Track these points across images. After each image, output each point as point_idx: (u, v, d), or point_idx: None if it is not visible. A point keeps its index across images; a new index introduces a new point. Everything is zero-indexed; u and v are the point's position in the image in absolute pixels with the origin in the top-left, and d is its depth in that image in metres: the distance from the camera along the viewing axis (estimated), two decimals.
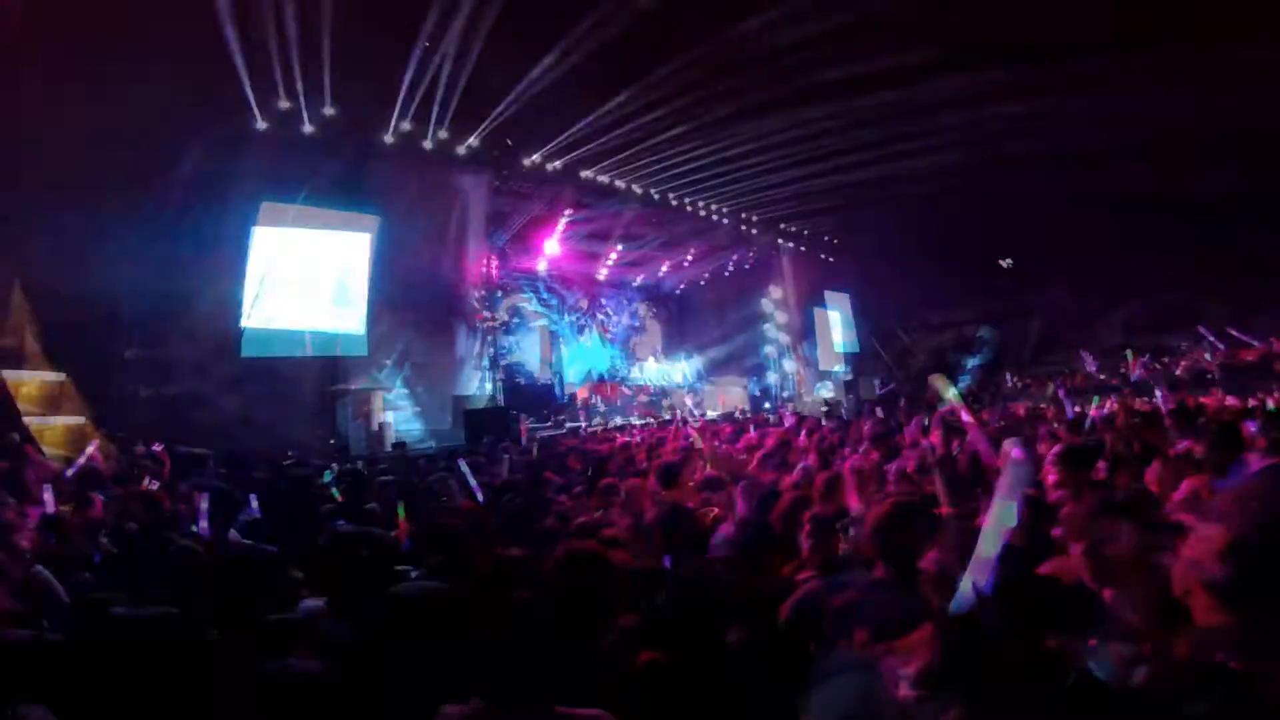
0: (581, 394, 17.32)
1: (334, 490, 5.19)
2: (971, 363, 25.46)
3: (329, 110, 11.82)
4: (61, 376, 12.80)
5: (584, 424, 13.59)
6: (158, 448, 6.84)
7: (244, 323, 11.20)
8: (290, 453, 7.07)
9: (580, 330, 20.11)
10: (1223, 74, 11.99)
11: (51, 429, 10.01)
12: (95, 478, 4.96)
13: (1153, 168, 15.67)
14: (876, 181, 15.51)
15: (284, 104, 11.39)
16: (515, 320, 18.40)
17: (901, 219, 19.14)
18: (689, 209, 17.35)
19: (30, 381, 12.81)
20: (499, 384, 14.71)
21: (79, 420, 10.49)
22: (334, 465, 7.23)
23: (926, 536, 1.92)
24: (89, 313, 11.29)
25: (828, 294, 22.17)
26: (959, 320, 26.32)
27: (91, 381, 11.14)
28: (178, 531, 3.43)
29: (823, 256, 22.22)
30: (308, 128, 11.78)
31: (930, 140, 14.13)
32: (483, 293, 14.53)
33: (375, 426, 11.12)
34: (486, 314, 14.61)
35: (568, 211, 16.00)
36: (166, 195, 10.95)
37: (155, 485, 4.69)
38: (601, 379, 19.20)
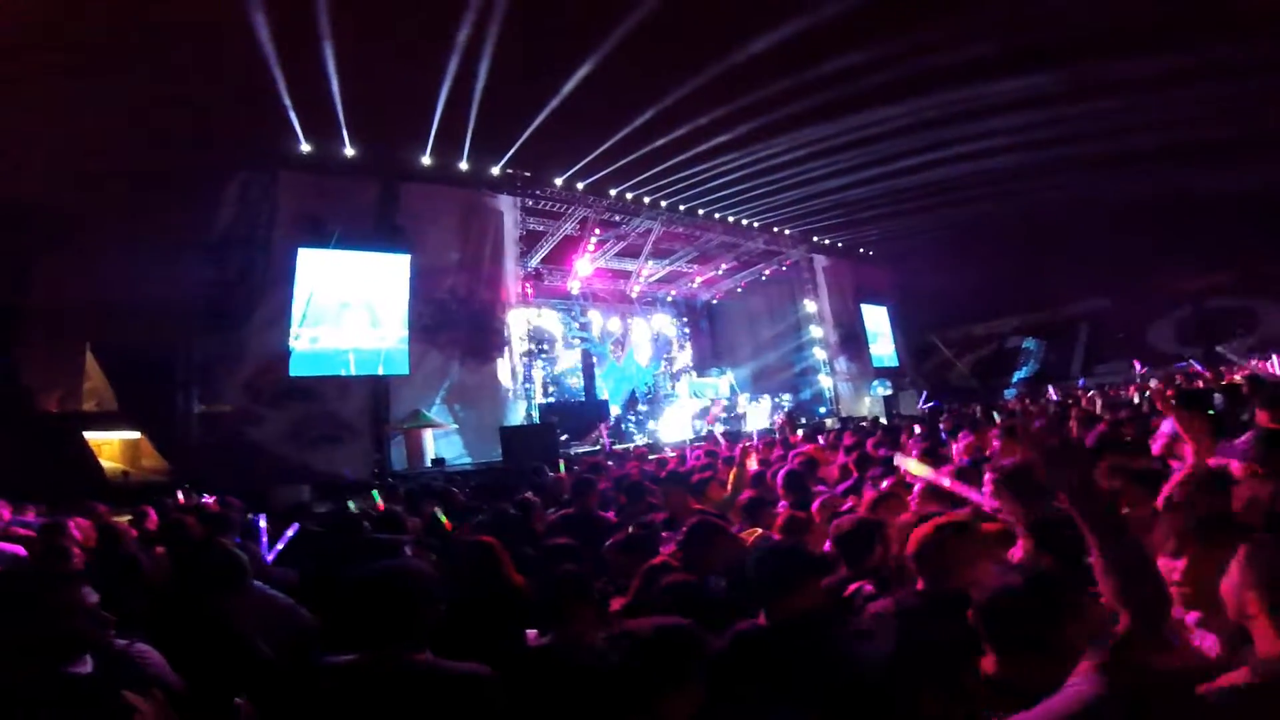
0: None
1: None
2: (1017, 375, 24.62)
3: (358, 143, 12.20)
4: (137, 434, 13.48)
5: (614, 444, 13.39)
6: (209, 499, 6.77)
7: (291, 344, 11.48)
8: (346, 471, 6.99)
9: (616, 349, 20.06)
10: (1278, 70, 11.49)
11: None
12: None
13: (1204, 170, 15.08)
14: (915, 190, 15.22)
15: (315, 138, 11.80)
16: (551, 342, 18.45)
17: (940, 227, 18.72)
18: (719, 222, 17.25)
19: (113, 441, 13.56)
20: (539, 406, 14.69)
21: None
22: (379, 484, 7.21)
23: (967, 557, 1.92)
24: (150, 369, 11.86)
25: (865, 307, 21.71)
26: (1003, 331, 25.56)
27: (164, 436, 11.63)
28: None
29: (859, 268, 21.82)
30: (347, 151, 12.16)
31: (970, 147, 13.82)
32: (518, 315, 14.60)
33: (428, 463, 11.30)
34: (523, 337, 14.68)
35: (597, 231, 16.07)
36: (208, 241, 11.42)
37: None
38: (634, 397, 19.05)
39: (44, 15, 8.83)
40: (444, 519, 3.70)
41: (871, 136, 13.21)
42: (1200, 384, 10.14)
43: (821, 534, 2.95)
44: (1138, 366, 14.76)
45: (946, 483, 2.82)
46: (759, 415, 16.75)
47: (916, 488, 3.06)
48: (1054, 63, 11.69)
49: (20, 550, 3.67)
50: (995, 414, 8.18)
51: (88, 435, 12.70)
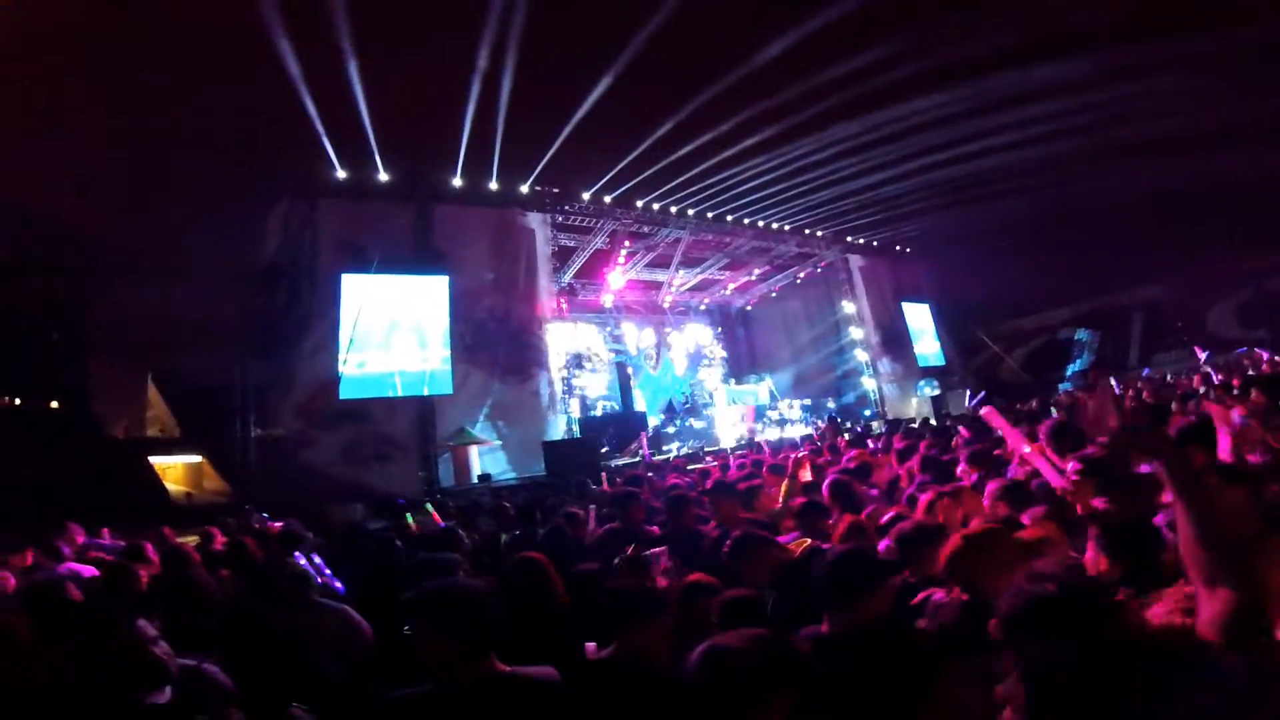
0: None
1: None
2: (1071, 369, 23.63)
3: (391, 168, 12.59)
4: (199, 458, 14.16)
5: (653, 454, 13.31)
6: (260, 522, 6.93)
7: (340, 368, 11.85)
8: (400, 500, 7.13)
9: (652, 360, 20.06)
10: None
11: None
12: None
13: (1252, 150, 14.29)
14: (951, 184, 14.81)
15: (350, 165, 12.23)
16: (588, 356, 18.57)
17: (981, 220, 18.17)
18: (748, 227, 17.13)
19: (176, 465, 14.29)
20: (578, 419, 14.80)
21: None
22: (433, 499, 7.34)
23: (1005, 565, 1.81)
24: (208, 396, 12.44)
25: (906, 305, 21.17)
26: (1053, 324, 24.60)
27: (224, 459, 12.15)
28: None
29: (897, 266, 21.33)
30: (381, 176, 12.58)
31: (1006, 137, 13.39)
32: (554, 330, 14.76)
33: (474, 478, 11.50)
34: (560, 352, 14.83)
35: (626, 243, 16.14)
36: (256, 270, 11.91)
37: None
38: (671, 407, 18.98)
39: (95, 56, 9.41)
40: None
41: (902, 131, 12.95)
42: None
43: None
44: (1199, 353, 13.96)
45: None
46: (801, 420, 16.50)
47: (988, 488, 2.94)
48: (1090, 46, 11.26)
49: (94, 571, 3.84)
50: (1053, 409, 7.84)
51: (152, 460, 13.34)
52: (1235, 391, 5.41)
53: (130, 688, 1.67)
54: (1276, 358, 12.62)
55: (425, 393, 12.60)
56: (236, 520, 6.94)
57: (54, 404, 14.65)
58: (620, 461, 12.87)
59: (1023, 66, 11.37)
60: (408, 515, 5.56)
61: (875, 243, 20.49)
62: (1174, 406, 5.82)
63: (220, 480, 13.44)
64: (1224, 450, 2.80)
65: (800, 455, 4.40)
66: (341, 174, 12.32)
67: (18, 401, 14.19)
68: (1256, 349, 13.58)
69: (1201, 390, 6.63)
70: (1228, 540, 1.23)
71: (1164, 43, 10.89)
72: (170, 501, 12.05)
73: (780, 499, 4.03)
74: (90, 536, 5.41)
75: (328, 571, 3.65)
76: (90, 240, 12.73)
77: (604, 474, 9.46)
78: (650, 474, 7.70)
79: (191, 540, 5.35)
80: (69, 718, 1.67)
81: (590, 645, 2.26)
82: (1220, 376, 8.21)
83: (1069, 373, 22.79)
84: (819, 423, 15.66)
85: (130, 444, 13.77)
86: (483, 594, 1.90)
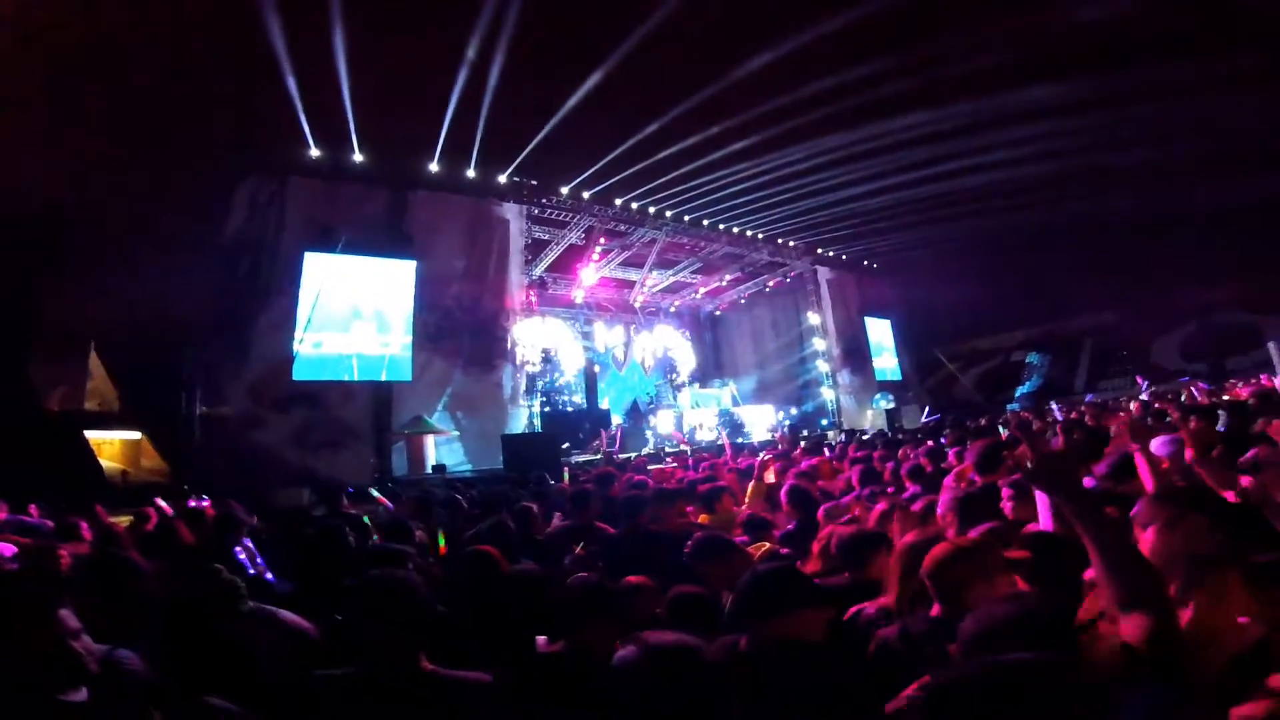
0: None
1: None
2: (1020, 390, 24.53)
3: (368, 150, 12.30)
4: (138, 435, 13.48)
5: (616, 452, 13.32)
6: (204, 502, 6.67)
7: (296, 348, 11.48)
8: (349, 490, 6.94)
9: (619, 359, 20.04)
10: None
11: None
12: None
13: (1210, 182, 15.06)
14: (920, 203, 15.21)
15: (326, 145, 11.90)
16: (554, 350, 18.42)
17: (947, 239, 18.71)
18: (723, 233, 17.28)
19: (113, 441, 13.57)
20: (540, 412, 14.67)
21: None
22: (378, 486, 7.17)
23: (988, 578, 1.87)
24: (154, 370, 11.86)
25: (868, 320, 21.67)
26: (1008, 346, 25.51)
27: (166, 437, 11.60)
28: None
29: (863, 281, 21.81)
30: (356, 157, 12.28)
31: (976, 160, 13.83)
32: (522, 324, 14.60)
33: (429, 469, 11.27)
34: (527, 346, 14.66)
35: (602, 240, 16.09)
36: (217, 245, 11.46)
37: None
38: (636, 406, 19.01)
39: (50, 13, 8.89)
40: (442, 542, 3.65)
41: (878, 149, 13.24)
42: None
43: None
44: (1141, 382, 14.65)
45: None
46: (761, 425, 16.70)
47: (943, 499, 3.00)
48: (1062, 76, 11.71)
49: (10, 549, 3.61)
50: (1001, 427, 8.12)
51: (89, 434, 12.68)
52: (1168, 419, 5.69)
53: (45, 684, 1.56)
54: (1209, 389, 13.35)
55: (383, 378, 12.29)
56: (173, 502, 6.66)
57: None
58: (582, 458, 12.82)
59: (1008, 89, 11.75)
60: (372, 491, 5.41)
61: (844, 256, 20.91)
62: (1112, 430, 6.08)
63: (159, 459, 12.87)
64: (1145, 476, 2.87)
65: (766, 458, 4.47)
66: (315, 153, 11.96)
67: None
68: (1194, 381, 14.32)
69: (1137, 416, 6.94)
70: (1138, 566, 1.25)
71: (1144, 70, 11.35)
72: (105, 479, 11.46)
73: (746, 500, 4.09)
74: (13, 513, 5.11)
75: (261, 562, 3.52)
76: (46, 204, 12.01)
77: (566, 470, 9.43)
78: (615, 471, 7.70)
79: (124, 521, 5.10)
80: None
81: (541, 639, 2.29)
82: (1157, 404, 8.64)
83: (1018, 394, 23.67)
84: (778, 433, 15.91)
85: (65, 416, 13.04)
86: (417, 588, 1.89)
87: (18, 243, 12.30)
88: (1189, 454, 3.12)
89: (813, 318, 20.23)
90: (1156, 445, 3.26)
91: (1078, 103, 12.32)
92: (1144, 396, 12.53)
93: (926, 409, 18.56)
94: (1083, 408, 12.35)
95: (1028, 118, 12.58)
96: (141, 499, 6.40)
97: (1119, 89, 11.93)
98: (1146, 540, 1.78)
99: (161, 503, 5.07)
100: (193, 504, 6.16)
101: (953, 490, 3.28)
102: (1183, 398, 10.08)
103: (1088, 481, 3.44)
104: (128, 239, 11.86)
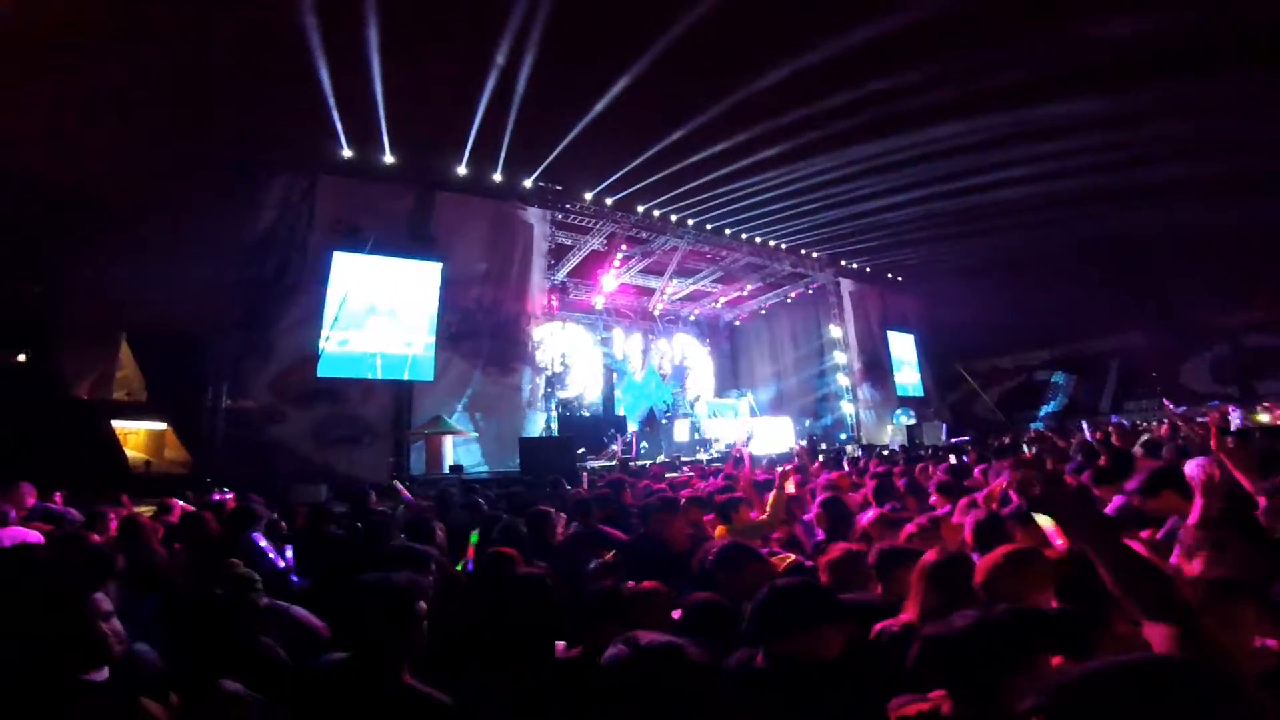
0: None
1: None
2: (1044, 410, 24.03)
3: (398, 151, 12.47)
4: (163, 426, 13.75)
5: (631, 460, 13.29)
6: (227, 495, 6.68)
7: (321, 345, 11.64)
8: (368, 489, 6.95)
9: (637, 366, 20.03)
10: None
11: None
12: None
13: (1244, 202, 14.65)
14: (948, 216, 14.99)
15: (357, 145, 12.09)
16: (573, 355, 18.49)
17: (974, 254, 18.43)
18: (746, 243, 17.21)
19: (138, 431, 13.84)
20: (557, 416, 14.70)
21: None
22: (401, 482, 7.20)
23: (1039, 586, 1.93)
24: (182, 362, 12.09)
25: (891, 334, 21.40)
26: (1032, 364, 25.01)
27: (190, 429, 11.82)
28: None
29: (886, 294, 21.57)
30: (386, 158, 12.48)
31: (1003, 174, 13.61)
32: (543, 328, 14.66)
33: (446, 469, 11.29)
34: (546, 349, 14.72)
35: (623, 247, 16.12)
36: (247, 240, 11.67)
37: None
38: (652, 414, 18.95)
39: (108, 10, 9.15)
40: (475, 539, 3.65)
41: (904, 161, 13.09)
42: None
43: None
44: (1168, 405, 14.23)
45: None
46: (779, 438, 16.53)
47: (968, 520, 2.95)
48: (1093, 91, 11.49)
49: (38, 537, 3.67)
50: (1026, 446, 7.94)
51: (115, 424, 12.93)
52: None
53: (69, 663, 1.59)
54: (1243, 413, 12.94)
55: (405, 377, 12.41)
56: (195, 494, 6.75)
57: (21, 358, 14.17)
58: (598, 464, 12.79)
59: (1039, 103, 11.55)
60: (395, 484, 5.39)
61: (868, 269, 20.70)
62: (1137, 452, 5.89)
63: (182, 450, 13.06)
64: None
65: (787, 468, 4.41)
66: (347, 152, 12.19)
67: None
68: (1226, 405, 13.88)
69: (1170, 438, 6.74)
70: (1151, 580, 1.23)
71: (1176, 86, 11.06)
72: (129, 469, 11.66)
73: (768, 510, 4.04)
74: (41, 500, 5.21)
75: (289, 559, 3.54)
76: (82, 195, 12.35)
77: (585, 475, 9.41)
78: (630, 478, 7.66)
79: (147, 511, 5.17)
80: None
81: (560, 644, 2.29)
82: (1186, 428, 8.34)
83: (1041, 413, 23.18)
84: (796, 446, 15.75)
85: (93, 405, 13.32)
86: (416, 596, 1.88)
87: (54, 231, 12.65)
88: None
89: (834, 330, 20.00)
90: (1190, 467, 3.17)
91: (1109, 118, 12.07)
92: (1174, 419, 12.16)
93: (945, 427, 18.24)
94: (1109, 428, 12.06)
95: (1058, 132, 12.36)
96: (164, 489, 6.49)
97: (1150, 105, 11.67)
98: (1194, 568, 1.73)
99: (183, 504, 5.14)
100: (216, 497, 6.24)
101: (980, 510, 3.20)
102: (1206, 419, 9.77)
103: (1117, 499, 3.36)
104: (161, 231, 12.12)
